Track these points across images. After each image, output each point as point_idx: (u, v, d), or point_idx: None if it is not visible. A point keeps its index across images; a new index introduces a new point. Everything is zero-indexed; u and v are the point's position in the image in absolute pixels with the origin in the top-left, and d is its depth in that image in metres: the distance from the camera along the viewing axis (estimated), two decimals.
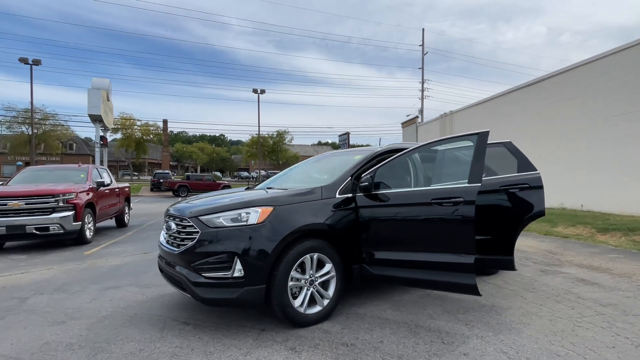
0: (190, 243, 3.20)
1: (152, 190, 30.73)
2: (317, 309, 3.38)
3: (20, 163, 44.18)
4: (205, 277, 3.11)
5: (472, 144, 3.43)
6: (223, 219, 3.19)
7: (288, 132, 56.22)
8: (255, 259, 3.08)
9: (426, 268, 3.43)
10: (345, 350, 2.85)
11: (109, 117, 28.54)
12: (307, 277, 3.34)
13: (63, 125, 48.57)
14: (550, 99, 12.62)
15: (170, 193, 27.76)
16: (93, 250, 7.40)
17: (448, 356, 2.75)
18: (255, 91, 33.67)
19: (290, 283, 3.21)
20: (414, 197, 3.52)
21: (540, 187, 4.11)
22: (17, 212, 7.36)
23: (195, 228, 3.21)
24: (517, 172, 4.25)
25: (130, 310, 3.81)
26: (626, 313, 3.57)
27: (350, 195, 3.70)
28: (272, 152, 57.23)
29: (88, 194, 8.64)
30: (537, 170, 4.21)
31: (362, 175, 3.69)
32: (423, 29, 38.74)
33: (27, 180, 9.02)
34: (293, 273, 3.23)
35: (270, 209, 3.26)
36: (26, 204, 7.46)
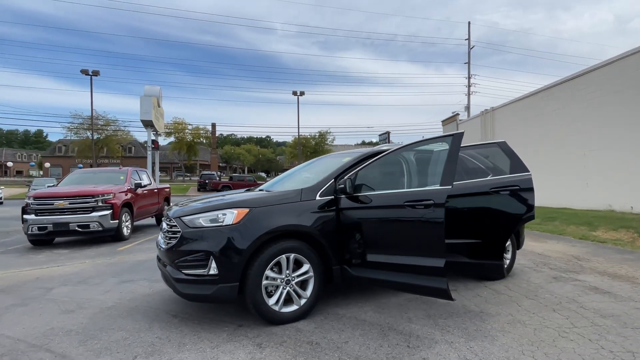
0: (174, 242, 3.45)
1: (199, 190, 32.40)
2: (293, 307, 3.49)
3: (81, 166, 48.27)
4: (185, 274, 3.34)
5: (447, 146, 3.36)
6: (202, 220, 3.40)
7: (330, 132, 56.54)
8: (228, 258, 3.25)
9: (401, 271, 3.42)
10: (307, 348, 2.94)
11: (160, 122, 30.43)
12: (284, 276, 3.45)
13: (122, 130, 52.54)
14: (604, 90, 11.62)
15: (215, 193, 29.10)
16: (126, 246, 8.04)
17: (406, 359, 2.75)
18: (294, 93, 34.32)
19: (264, 282, 3.34)
20: (389, 199, 3.52)
21: (530, 189, 3.91)
22: (62, 210, 8.20)
23: (178, 228, 3.45)
24: (510, 174, 4.06)
25: (134, 303, 4.15)
26: (625, 325, 3.31)
27: (332, 197, 3.76)
28: (315, 153, 57.82)
29: (126, 194, 9.39)
30: (528, 172, 4.01)
31: (343, 178, 3.74)
32: (469, 22, 37.21)
33: (74, 182, 9.97)
34: (268, 272, 3.37)
35: (246, 210, 3.42)
36: (70, 203, 8.28)
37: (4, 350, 3.01)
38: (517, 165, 4.11)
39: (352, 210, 3.68)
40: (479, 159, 4.39)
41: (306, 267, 3.55)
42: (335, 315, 3.65)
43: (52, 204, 8.22)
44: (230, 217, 3.37)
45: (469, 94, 38.11)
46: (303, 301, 3.53)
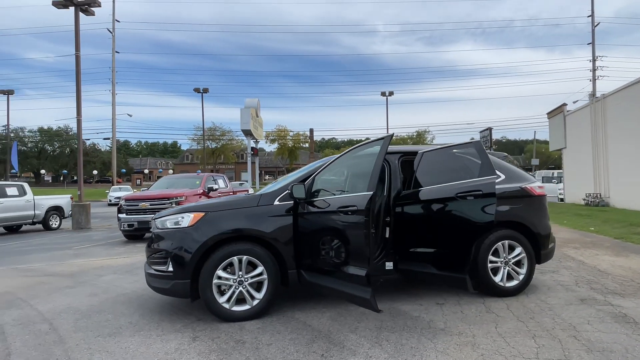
0: (150, 241, 3.97)
1: None
2: (245, 307, 3.68)
3: (199, 171, 55.27)
4: (154, 269, 3.81)
5: (378, 149, 3.18)
6: (168, 222, 3.84)
7: (428, 131, 54.11)
8: (181, 257, 3.62)
9: (340, 278, 3.35)
10: (230, 345, 3.12)
11: (259, 131, 33.22)
12: (236, 277, 3.68)
13: (236, 139, 58.62)
14: None
15: None
16: None
17: None
18: (383, 94, 33.89)
19: (215, 281, 3.62)
20: (329, 205, 3.47)
21: (491, 194, 3.37)
22: (144, 211, 9.76)
23: (154, 228, 3.96)
24: (478, 177, 3.56)
25: (145, 292, 4.83)
26: None
27: (292, 202, 3.85)
28: None
29: (199, 197, 10.68)
30: (494, 175, 3.46)
31: (294, 184, 3.79)
32: None
33: (162, 186, 11.72)
34: (220, 272, 3.63)
35: (202, 214, 3.75)
36: (150, 204, 9.79)
37: (25, 320, 3.88)
38: (486, 167, 3.57)
39: (307, 215, 3.72)
40: (456, 161, 3.92)
41: (260, 269, 3.71)
42: (288, 318, 3.73)
43: (138, 205, 9.85)
44: (187, 220, 3.74)
45: (594, 80, 32.64)
46: (255, 302, 3.70)
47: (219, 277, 3.63)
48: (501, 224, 4.33)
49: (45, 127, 66.60)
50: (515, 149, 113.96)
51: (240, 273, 3.69)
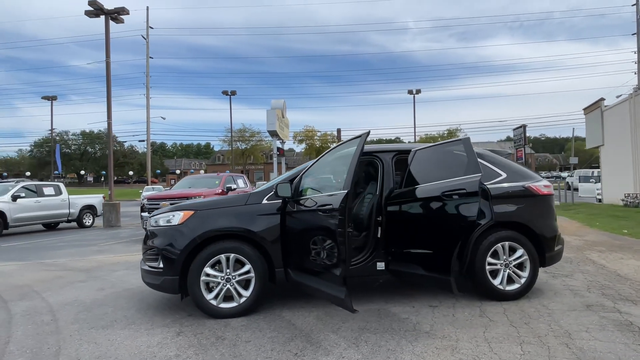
0: (145, 238, 4.11)
1: None
2: (232, 304, 3.74)
3: (228, 171, 56.63)
4: (147, 265, 3.94)
5: (354, 148, 3.13)
6: (161, 220, 3.96)
7: (460, 129, 52.66)
8: (170, 254, 3.72)
9: (321, 277, 3.33)
10: (211, 341, 3.17)
11: (285, 132, 33.44)
12: (224, 274, 3.74)
13: (265, 140, 59.53)
14: None
15: None
16: None
17: None
18: (410, 92, 33.29)
19: (203, 277, 3.69)
20: (315, 203, 3.45)
21: (474, 193, 3.21)
22: None
23: (149, 226, 4.10)
24: (464, 175, 3.41)
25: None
26: None
27: (280, 201, 3.86)
28: None
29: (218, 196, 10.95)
30: (479, 173, 3.29)
31: (280, 183, 3.81)
32: None
33: (183, 186, 12.09)
34: (207, 269, 3.70)
35: (191, 212, 3.84)
36: (170, 203, 10.13)
37: (32, 311, 4.13)
38: (472, 165, 3.39)
39: (293, 214, 3.72)
40: (448, 159, 3.77)
41: (247, 267, 3.75)
42: (275, 316, 3.75)
43: (159, 204, 10.20)
44: (177, 218, 3.84)
45: (639, 72, 30.66)
46: (243, 299, 3.74)
47: (207, 275, 3.70)
48: (501, 224, 4.15)
49: (87, 131, 70.50)
50: (555, 147, 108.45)
51: (227, 271, 3.74)
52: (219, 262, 3.74)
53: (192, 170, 76.19)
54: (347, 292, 2.99)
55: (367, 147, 4.44)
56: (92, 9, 14.56)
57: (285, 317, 3.70)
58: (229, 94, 32.83)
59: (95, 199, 15.35)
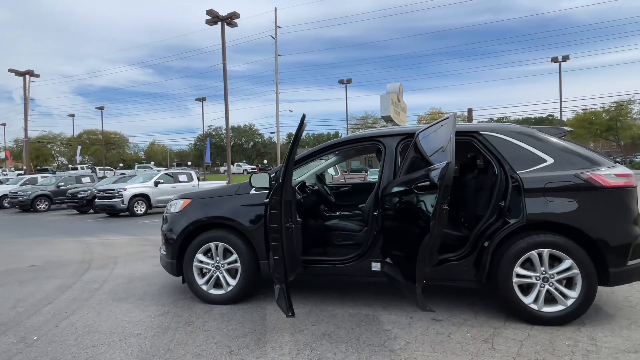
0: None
1: None
2: (220, 291, 3.80)
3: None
4: (161, 250, 4.30)
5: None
6: (172, 207, 4.26)
7: (634, 100, 42.11)
8: (168, 239, 3.98)
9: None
10: (180, 324, 3.30)
11: (401, 116, 32.27)
12: (214, 262, 3.82)
13: (385, 126, 58.69)
14: None
15: None
16: None
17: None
18: (554, 60, 27.87)
19: (195, 263, 3.84)
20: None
21: (434, 185, 2.38)
22: None
23: (165, 212, 4.46)
24: (436, 163, 2.60)
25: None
26: None
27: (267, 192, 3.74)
28: (608, 131, 44.70)
29: None
30: (446, 160, 2.43)
31: (255, 173, 3.66)
32: None
33: None
34: (199, 256, 3.84)
35: (188, 201, 4.02)
36: None
37: (93, 279, 4.98)
38: (447, 149, 2.49)
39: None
40: (439, 142, 2.90)
41: (234, 256, 3.76)
42: (256, 308, 3.67)
43: None
44: (178, 205, 4.07)
45: None
46: (230, 288, 3.77)
47: (200, 261, 3.84)
48: (539, 225, 3.17)
49: (236, 125, 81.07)
50: None
51: (217, 258, 3.82)
52: (210, 249, 3.85)
53: None
54: (280, 293, 2.73)
55: (370, 132, 3.94)
56: (210, 17, 16.42)
57: (263, 311, 3.59)
58: (345, 82, 33.30)
59: (219, 185, 17.65)
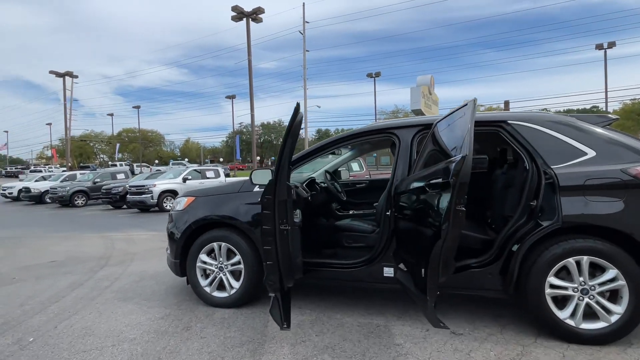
0: None
1: None
2: (224, 294, 3.60)
3: (375, 154, 56.25)
4: (167, 250, 4.15)
5: None
6: (177, 205, 4.10)
7: None
8: (172, 239, 3.82)
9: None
10: (178, 329, 3.12)
11: (432, 109, 31.28)
12: (217, 263, 3.63)
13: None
14: None
15: None
16: None
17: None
18: (599, 47, 25.90)
19: (198, 264, 3.67)
20: None
21: (446, 184, 1.99)
22: None
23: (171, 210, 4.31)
24: (454, 156, 2.22)
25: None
26: None
27: None
28: None
29: None
30: (466, 153, 2.04)
31: (256, 169, 3.41)
32: None
33: None
34: (203, 256, 3.66)
35: (192, 198, 3.84)
36: None
37: (106, 276, 4.94)
38: (466, 140, 2.09)
39: None
40: (458, 132, 2.49)
41: (237, 258, 3.55)
42: (259, 313, 3.44)
43: None
44: (182, 203, 3.90)
45: None
46: (233, 291, 3.57)
47: (203, 262, 3.66)
48: (578, 228, 2.74)
49: (265, 122, 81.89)
50: None
51: (220, 259, 3.62)
52: (213, 249, 3.65)
53: None
54: (276, 302, 2.47)
55: (383, 123, 3.60)
56: (235, 13, 16.40)
57: (266, 317, 3.34)
58: (374, 75, 32.54)
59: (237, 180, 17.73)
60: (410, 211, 2.87)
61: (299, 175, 4.50)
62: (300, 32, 37.64)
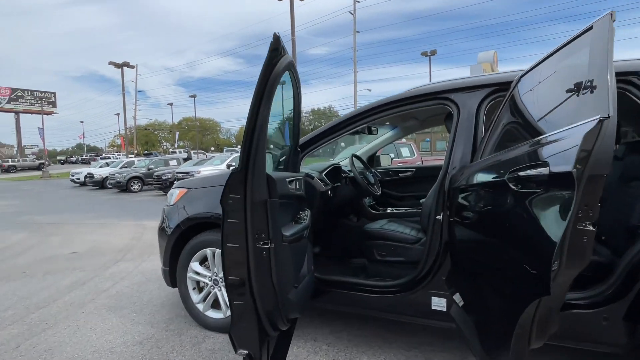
0: None
1: None
2: (218, 315, 2.83)
3: (428, 140, 52.99)
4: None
5: None
6: (169, 197, 3.35)
7: None
8: (161, 240, 3.10)
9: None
10: (157, 356, 2.39)
11: None
12: (211, 274, 2.84)
13: None
14: None
15: None
16: None
17: None
18: None
19: (189, 274, 2.92)
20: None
21: (566, 174, 0.89)
22: None
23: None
24: (573, 124, 1.10)
25: None
26: None
27: None
28: None
29: None
30: (593, 117, 0.92)
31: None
32: None
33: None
34: (194, 265, 2.90)
35: (185, 190, 3.07)
36: None
37: (112, 275, 4.43)
38: (602, 91, 0.98)
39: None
40: (555, 90, 1.35)
41: None
42: None
43: None
44: (174, 196, 3.15)
45: None
46: (230, 312, 2.76)
47: (195, 272, 2.91)
48: None
49: (316, 108, 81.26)
50: None
51: (215, 270, 2.83)
52: (207, 257, 2.87)
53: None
54: None
55: (434, 85, 2.51)
56: None
57: None
58: (429, 54, 30.16)
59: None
60: (476, 216, 1.82)
61: (321, 164, 3.57)
62: (350, 12, 36.11)
